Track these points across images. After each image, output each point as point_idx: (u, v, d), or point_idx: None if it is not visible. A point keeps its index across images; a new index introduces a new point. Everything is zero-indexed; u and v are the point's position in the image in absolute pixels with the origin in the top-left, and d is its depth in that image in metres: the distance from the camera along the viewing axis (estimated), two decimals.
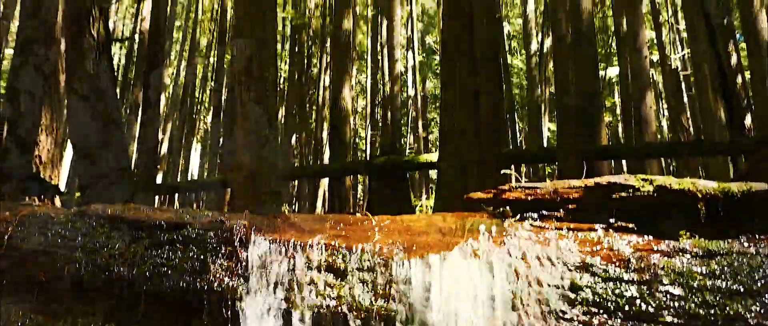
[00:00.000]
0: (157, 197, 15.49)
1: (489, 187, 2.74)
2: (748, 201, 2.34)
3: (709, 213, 2.35)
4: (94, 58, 5.72)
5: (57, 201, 6.07)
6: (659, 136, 21.77)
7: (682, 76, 18.30)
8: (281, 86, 22.32)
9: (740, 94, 12.76)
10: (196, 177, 25.75)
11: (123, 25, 25.75)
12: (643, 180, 2.39)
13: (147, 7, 15.49)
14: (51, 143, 7.17)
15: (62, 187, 9.72)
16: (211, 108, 22.03)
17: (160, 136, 18.81)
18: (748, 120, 12.35)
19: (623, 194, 2.40)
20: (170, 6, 16.07)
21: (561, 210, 2.50)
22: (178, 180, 21.68)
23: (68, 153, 15.20)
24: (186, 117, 22.70)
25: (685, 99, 18.35)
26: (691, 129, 16.64)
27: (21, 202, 4.10)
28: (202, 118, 27.71)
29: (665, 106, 21.98)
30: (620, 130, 22.04)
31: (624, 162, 15.55)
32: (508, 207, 2.57)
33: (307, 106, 21.64)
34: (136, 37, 18.67)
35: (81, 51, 5.71)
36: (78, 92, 5.73)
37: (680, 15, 19.77)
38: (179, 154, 22.79)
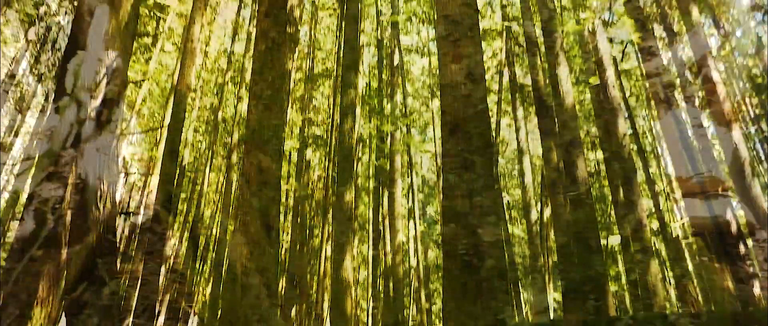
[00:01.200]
0: None
1: None
2: None
3: None
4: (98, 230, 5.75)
5: None
6: (668, 305, 21.26)
7: (684, 244, 18.31)
8: (282, 257, 22.26)
9: (745, 260, 12.67)
10: None
11: (129, 198, 26.29)
12: None
13: (154, 181, 15.92)
14: (45, 316, 7.00)
15: None
16: (212, 279, 21.78)
17: (157, 308, 18.37)
18: (756, 289, 12.14)
19: None
20: (177, 180, 16.52)
21: None
22: None
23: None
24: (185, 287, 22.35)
25: (690, 267, 18.19)
26: (700, 297, 16.29)
27: None
28: (201, 289, 27.30)
29: (670, 274, 21.74)
30: (628, 300, 21.61)
31: None
32: None
33: (308, 276, 21.41)
34: (142, 209, 18.97)
35: None
36: None
37: (674, 184, 20.25)
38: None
